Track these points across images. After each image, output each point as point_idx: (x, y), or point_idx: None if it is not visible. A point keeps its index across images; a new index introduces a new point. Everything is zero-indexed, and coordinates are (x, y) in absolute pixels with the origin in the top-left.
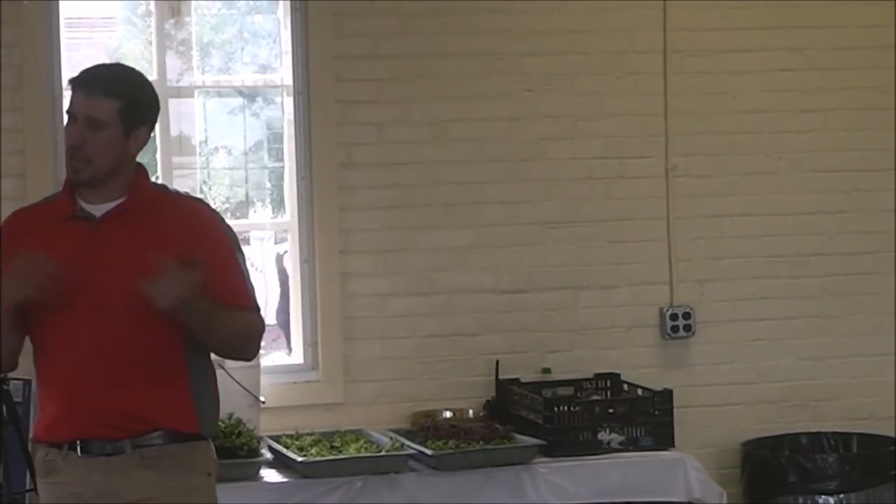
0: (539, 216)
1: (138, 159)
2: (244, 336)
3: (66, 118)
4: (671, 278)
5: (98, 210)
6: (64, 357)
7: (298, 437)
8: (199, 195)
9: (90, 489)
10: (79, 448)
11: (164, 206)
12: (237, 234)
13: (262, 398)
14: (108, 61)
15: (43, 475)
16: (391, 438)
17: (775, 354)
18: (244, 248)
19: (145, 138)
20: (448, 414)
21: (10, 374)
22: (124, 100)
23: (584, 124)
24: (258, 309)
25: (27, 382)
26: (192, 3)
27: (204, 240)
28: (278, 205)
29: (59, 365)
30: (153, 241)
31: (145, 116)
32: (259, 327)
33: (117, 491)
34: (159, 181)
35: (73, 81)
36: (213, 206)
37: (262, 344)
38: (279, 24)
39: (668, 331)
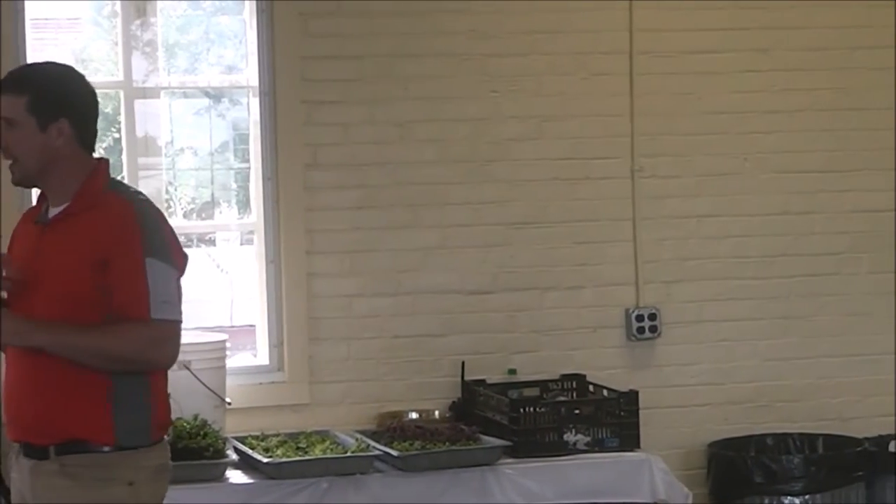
0: (505, 217)
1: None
2: (121, 352)
3: None
4: (637, 279)
5: (53, 213)
6: (8, 360)
7: (264, 438)
8: (164, 196)
9: (27, 490)
10: (21, 449)
11: (99, 209)
12: (167, 237)
13: (227, 399)
14: (69, 62)
15: (10, 471)
16: (357, 439)
17: (741, 355)
18: (210, 249)
19: (71, 132)
20: (414, 415)
21: None
22: (30, 93)
23: (549, 125)
24: (158, 319)
25: None
26: (158, 4)
27: (114, 244)
28: (244, 205)
29: (7, 367)
30: (74, 247)
31: (62, 108)
32: (149, 338)
33: (41, 495)
34: (125, 181)
35: None
36: (159, 206)
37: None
38: (245, 25)
39: (634, 332)
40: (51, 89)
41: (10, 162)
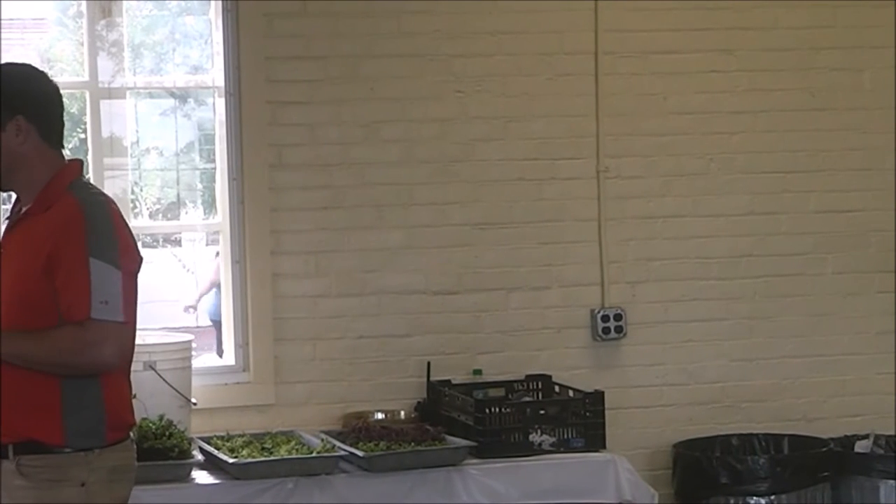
0: (470, 217)
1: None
2: (56, 359)
3: None
4: (602, 279)
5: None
6: None
7: (229, 438)
8: (130, 196)
9: None
10: None
11: (53, 210)
12: (115, 237)
13: (193, 399)
14: (35, 62)
15: None
16: (322, 440)
17: (706, 356)
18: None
19: (30, 128)
20: (379, 415)
21: None
22: None
23: (514, 125)
24: (96, 320)
25: None
26: (124, 4)
27: (60, 245)
28: (210, 206)
29: None
30: (28, 249)
31: (16, 105)
32: (83, 340)
33: (2, 495)
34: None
35: None
36: (112, 206)
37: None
38: (210, 25)
39: (600, 332)
40: (1, 88)
41: None
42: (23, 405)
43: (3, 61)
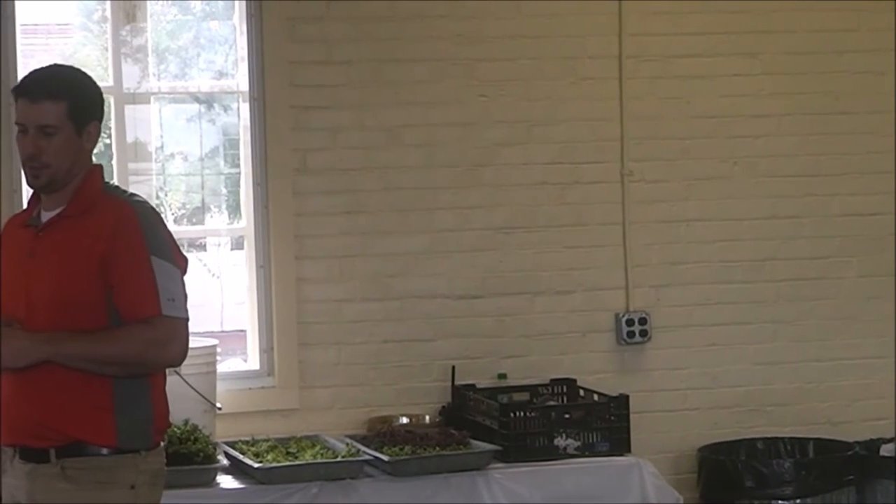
0: (493, 221)
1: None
2: (124, 356)
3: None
4: (627, 283)
5: (47, 217)
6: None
7: (254, 443)
8: (155, 201)
9: (22, 493)
10: (17, 453)
11: (99, 209)
12: (167, 237)
13: (218, 404)
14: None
15: (2, 474)
16: (347, 444)
17: (730, 359)
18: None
19: (97, 134)
20: (404, 420)
21: None
22: (69, 100)
23: (538, 129)
24: (166, 316)
25: None
26: (148, 5)
27: (117, 245)
28: (234, 211)
29: (3, 371)
30: (74, 250)
31: (93, 112)
32: (152, 338)
33: (40, 498)
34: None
35: (15, 91)
36: (157, 209)
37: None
38: (235, 31)
39: (624, 336)
40: (86, 94)
41: (36, 167)
42: (73, 407)
43: (29, 68)
